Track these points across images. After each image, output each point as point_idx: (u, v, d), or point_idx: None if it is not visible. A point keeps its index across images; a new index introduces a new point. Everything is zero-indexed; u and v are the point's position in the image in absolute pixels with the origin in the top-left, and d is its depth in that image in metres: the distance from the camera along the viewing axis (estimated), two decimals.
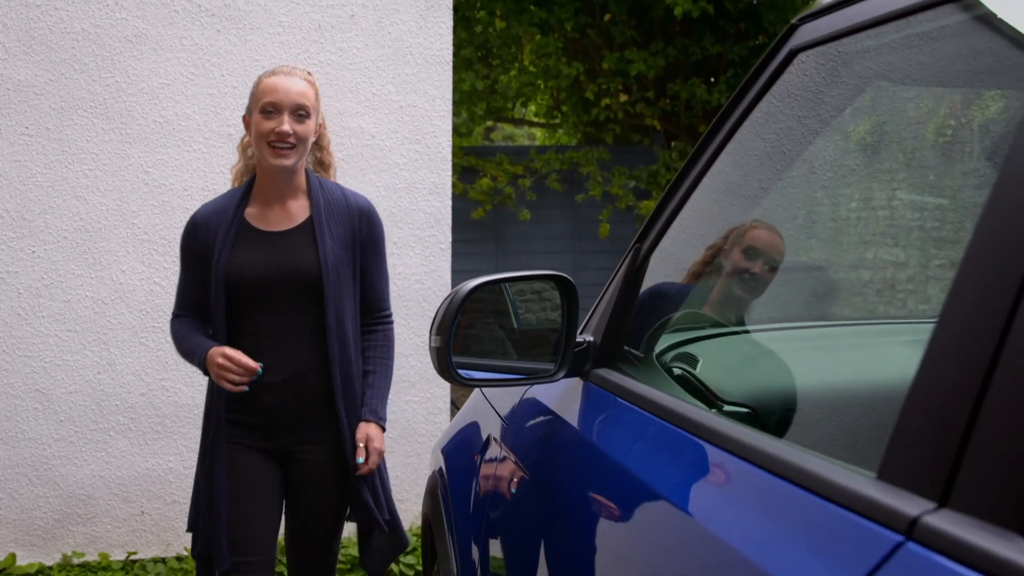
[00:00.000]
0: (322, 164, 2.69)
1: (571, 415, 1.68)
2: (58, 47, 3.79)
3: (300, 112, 2.47)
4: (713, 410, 1.45)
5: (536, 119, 10.92)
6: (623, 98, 8.94)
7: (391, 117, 4.15)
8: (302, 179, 2.58)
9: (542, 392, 1.85)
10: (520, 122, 11.27)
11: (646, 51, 8.23)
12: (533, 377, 1.72)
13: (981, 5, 0.96)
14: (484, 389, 2.30)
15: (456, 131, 9.10)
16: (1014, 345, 0.73)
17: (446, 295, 1.92)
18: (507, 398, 2.05)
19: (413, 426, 4.22)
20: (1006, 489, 0.72)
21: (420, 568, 4.05)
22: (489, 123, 10.76)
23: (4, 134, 3.75)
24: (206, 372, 2.51)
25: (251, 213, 2.57)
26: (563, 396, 1.75)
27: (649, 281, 1.69)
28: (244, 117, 2.58)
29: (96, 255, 3.88)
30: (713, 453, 1.15)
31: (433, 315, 2.10)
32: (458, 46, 8.56)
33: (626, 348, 1.70)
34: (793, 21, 1.43)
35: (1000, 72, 1.07)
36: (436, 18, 4.18)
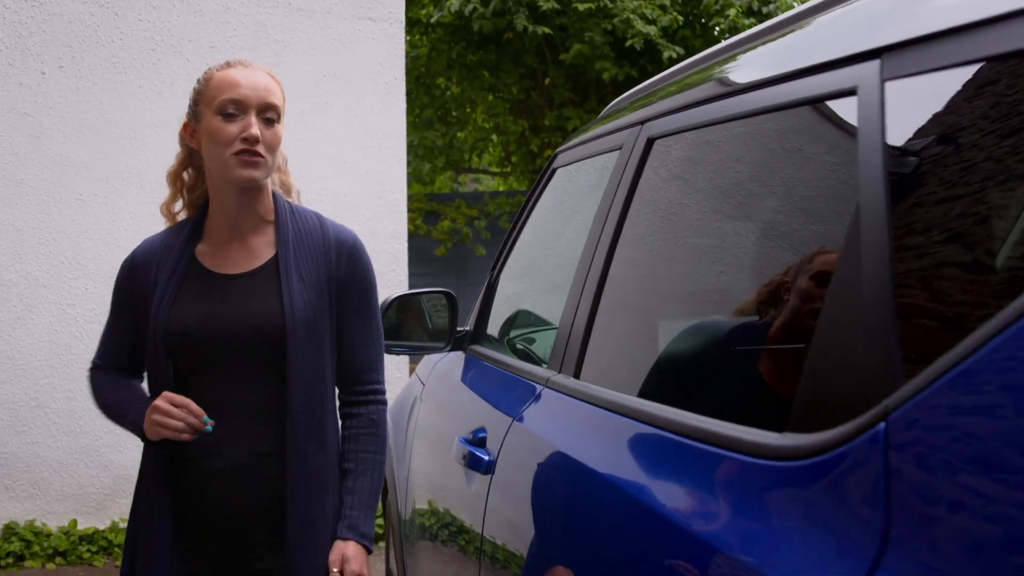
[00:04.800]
0: (285, 187, 2.06)
1: (456, 373, 2.61)
2: (103, 132, 4.54)
3: (269, 114, 1.86)
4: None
5: (490, 168, 11.53)
6: None
7: (359, 180, 4.92)
8: (269, 204, 1.96)
9: (443, 364, 2.83)
10: (475, 171, 11.89)
11: (581, 109, 8.92)
12: (434, 349, 2.73)
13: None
14: (417, 371, 3.33)
15: (420, 180, 9.83)
16: (601, 313, 1.87)
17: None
18: (426, 372, 3.00)
19: None
20: (574, 364, 1.81)
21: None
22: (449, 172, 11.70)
23: (64, 199, 4.51)
24: (142, 435, 1.89)
25: (203, 251, 1.95)
26: (453, 364, 2.68)
27: (500, 292, 2.81)
28: (185, 126, 1.94)
29: None
30: (524, 383, 2.06)
31: None
32: (421, 108, 9.32)
33: (488, 332, 2.81)
34: (557, 150, 2.45)
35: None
36: (393, 102, 5.02)
